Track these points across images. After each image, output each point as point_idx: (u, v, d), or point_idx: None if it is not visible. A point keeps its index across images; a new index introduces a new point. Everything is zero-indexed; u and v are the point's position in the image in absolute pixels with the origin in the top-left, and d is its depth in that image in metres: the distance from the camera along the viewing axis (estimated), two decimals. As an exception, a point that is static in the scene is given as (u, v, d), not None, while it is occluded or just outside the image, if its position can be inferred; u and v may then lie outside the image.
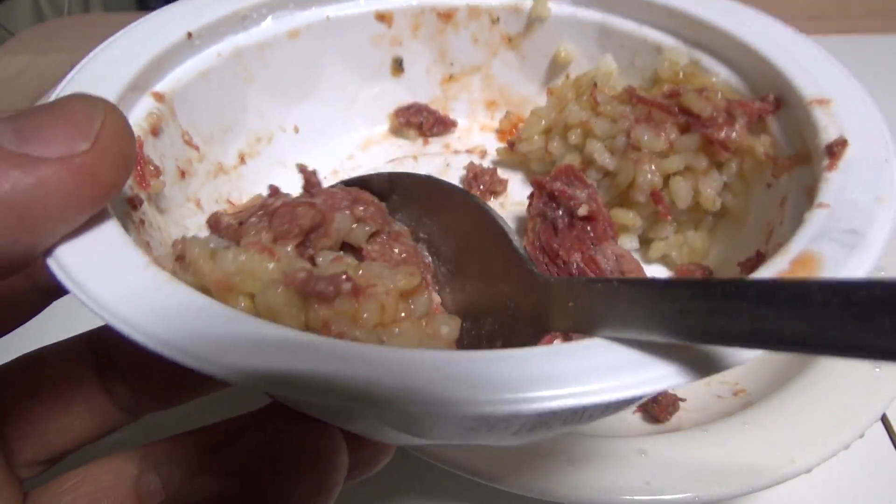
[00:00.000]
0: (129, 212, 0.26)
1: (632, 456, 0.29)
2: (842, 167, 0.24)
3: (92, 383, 0.24)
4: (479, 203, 0.27)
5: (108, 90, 0.28)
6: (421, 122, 0.40)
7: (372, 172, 0.31)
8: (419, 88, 0.42)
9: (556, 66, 0.40)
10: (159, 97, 0.31)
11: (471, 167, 0.37)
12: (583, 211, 0.30)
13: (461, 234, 0.28)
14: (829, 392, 0.32)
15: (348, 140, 0.41)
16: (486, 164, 0.39)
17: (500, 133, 0.42)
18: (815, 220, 0.22)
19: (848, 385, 0.32)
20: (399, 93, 0.42)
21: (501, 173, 0.38)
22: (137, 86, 0.30)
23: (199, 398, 0.25)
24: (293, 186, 0.38)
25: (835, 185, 0.23)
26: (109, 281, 0.20)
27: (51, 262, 0.20)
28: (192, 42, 0.33)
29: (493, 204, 0.36)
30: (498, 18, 0.40)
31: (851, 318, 0.13)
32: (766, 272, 0.20)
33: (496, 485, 0.28)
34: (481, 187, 0.36)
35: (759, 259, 0.27)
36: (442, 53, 0.41)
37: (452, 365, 0.17)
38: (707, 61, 0.34)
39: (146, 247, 0.25)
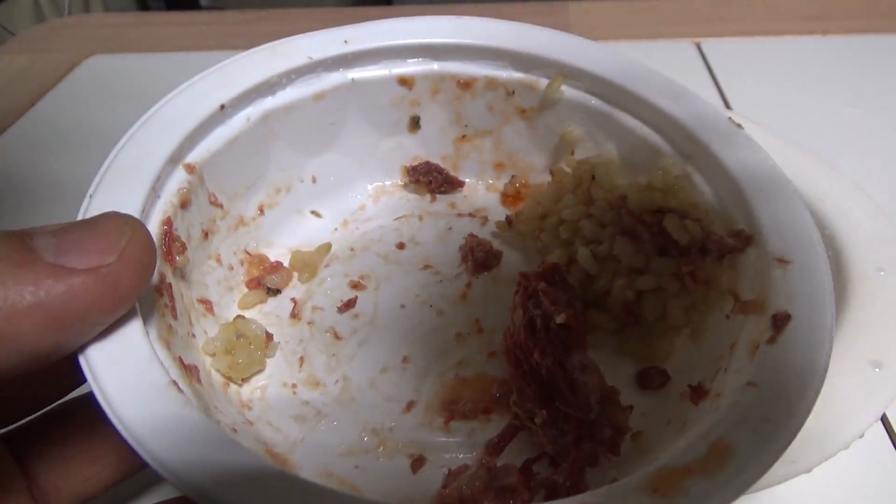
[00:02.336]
0: (155, 300, 0.29)
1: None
2: (780, 343, 0.27)
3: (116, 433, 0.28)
4: None
5: (145, 175, 0.31)
6: (430, 180, 0.43)
7: None
8: (433, 145, 0.44)
9: (562, 143, 0.42)
10: (190, 169, 0.34)
11: (470, 239, 0.40)
12: (560, 319, 0.33)
13: None
14: (829, 392, 0.32)
15: (362, 190, 0.44)
16: (487, 231, 0.42)
17: (504, 196, 0.44)
18: (743, 401, 0.25)
19: (848, 385, 0.33)
20: (414, 148, 0.44)
21: (498, 245, 0.41)
22: (173, 160, 0.33)
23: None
24: (307, 232, 0.41)
25: (769, 362, 0.27)
26: (132, 399, 0.23)
27: (82, 361, 0.24)
28: (223, 112, 0.36)
29: (486, 277, 0.39)
30: (513, 92, 0.42)
31: None
32: (686, 457, 0.24)
33: None
34: (476, 259, 0.39)
35: (703, 392, 0.30)
36: (458, 116, 0.43)
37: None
38: (697, 177, 0.36)
39: (168, 331, 0.29)
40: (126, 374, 0.24)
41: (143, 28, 0.90)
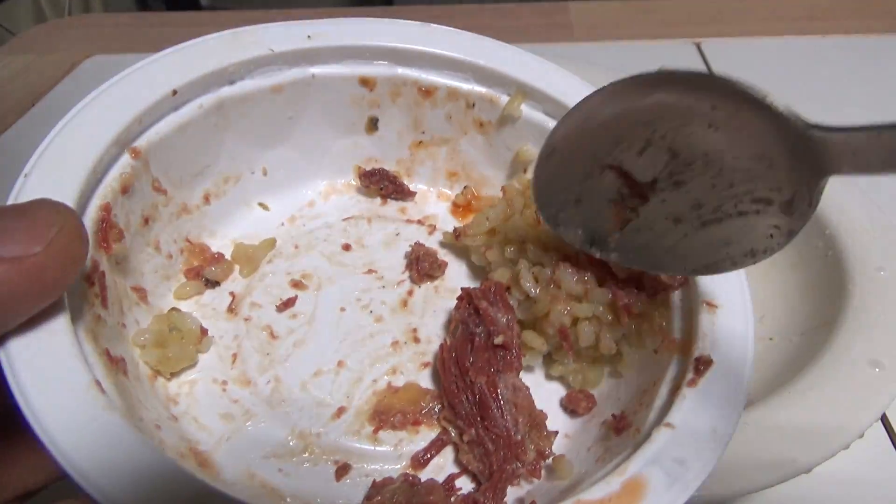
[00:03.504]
0: (85, 289, 0.28)
1: None
2: (700, 386, 0.28)
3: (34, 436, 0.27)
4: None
5: (87, 156, 0.30)
6: (382, 187, 0.43)
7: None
8: (389, 148, 0.44)
9: (517, 161, 0.43)
10: (136, 153, 0.33)
11: (416, 248, 0.40)
12: (499, 340, 0.33)
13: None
14: (829, 392, 0.34)
15: (313, 187, 0.43)
16: (434, 240, 0.42)
17: (455, 206, 0.45)
18: (659, 439, 0.26)
19: (848, 385, 0.34)
20: (369, 149, 0.44)
21: (443, 255, 0.41)
22: (119, 142, 0.32)
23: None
24: (252, 224, 0.41)
25: (687, 404, 0.28)
26: (51, 398, 0.23)
27: (1, 355, 0.23)
28: (175, 98, 0.35)
29: (429, 286, 0.40)
30: (474, 104, 0.42)
31: None
32: (600, 492, 0.25)
33: None
34: (420, 269, 0.40)
35: (626, 424, 0.31)
36: (416, 122, 0.43)
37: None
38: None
39: (97, 322, 0.28)
40: (48, 372, 0.23)
41: (143, 28, 0.90)
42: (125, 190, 0.32)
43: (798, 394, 0.33)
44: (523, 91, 0.41)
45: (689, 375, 0.29)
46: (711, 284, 0.32)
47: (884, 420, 0.39)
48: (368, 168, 0.44)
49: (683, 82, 0.27)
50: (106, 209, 0.31)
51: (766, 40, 0.79)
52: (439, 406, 0.34)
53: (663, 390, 0.30)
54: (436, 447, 0.32)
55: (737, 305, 0.31)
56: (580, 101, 0.30)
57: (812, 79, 0.71)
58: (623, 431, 0.31)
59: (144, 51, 0.80)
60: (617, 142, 0.30)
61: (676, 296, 0.34)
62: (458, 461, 0.32)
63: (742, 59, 0.75)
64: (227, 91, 0.37)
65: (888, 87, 0.70)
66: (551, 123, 0.41)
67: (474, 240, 0.40)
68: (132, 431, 0.23)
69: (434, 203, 0.45)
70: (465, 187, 0.45)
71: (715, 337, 0.30)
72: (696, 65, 0.74)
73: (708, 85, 0.26)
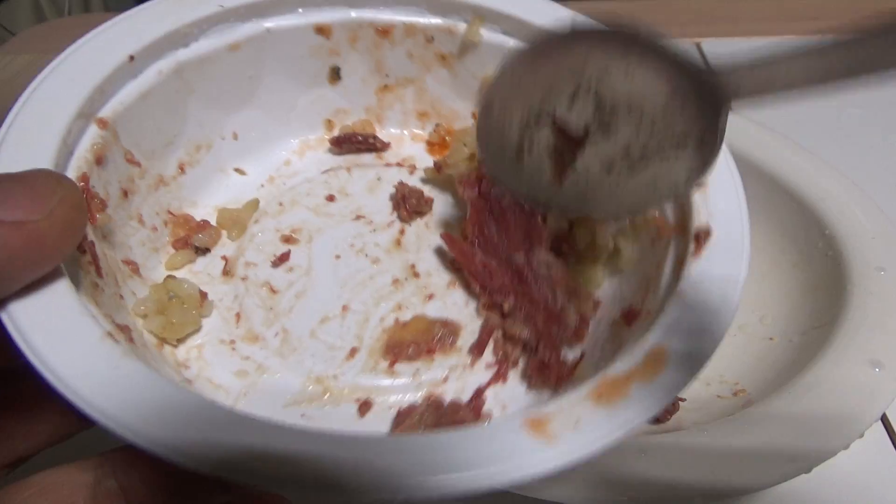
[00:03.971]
0: (78, 258, 0.28)
1: (632, 456, 0.31)
2: (703, 255, 0.29)
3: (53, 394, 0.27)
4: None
5: (55, 125, 0.29)
6: (355, 147, 0.43)
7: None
8: (355, 96, 0.44)
9: (484, 88, 0.43)
10: (103, 123, 0.32)
11: (400, 187, 0.40)
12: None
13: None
14: (829, 392, 0.33)
15: (286, 145, 0.43)
16: (415, 179, 0.42)
17: (430, 144, 0.44)
18: (671, 311, 0.27)
19: (848, 385, 0.34)
20: (336, 100, 0.43)
21: (428, 192, 0.41)
22: (82, 114, 0.31)
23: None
24: (231, 190, 0.40)
25: (694, 273, 0.28)
26: (66, 352, 0.22)
27: (4, 317, 0.23)
28: (133, 64, 0.34)
29: (419, 223, 0.40)
30: (433, 38, 0.42)
31: None
32: (625, 365, 0.25)
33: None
34: (408, 207, 0.39)
35: (635, 314, 0.32)
36: (378, 65, 0.43)
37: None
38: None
39: (95, 289, 0.28)
40: (57, 329, 0.23)
41: None
42: (99, 161, 0.32)
43: (798, 394, 0.33)
44: (479, 15, 0.40)
45: (691, 248, 0.29)
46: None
47: (884, 420, 0.39)
48: (338, 124, 0.44)
49: (597, 35, 0.28)
50: (84, 179, 0.30)
51: (766, 40, 0.77)
52: (451, 333, 0.34)
53: (667, 270, 0.31)
54: (486, 332, 0.33)
55: (726, 181, 0.32)
56: (507, 60, 0.31)
57: None
58: (634, 321, 0.32)
59: None
60: (548, 93, 0.31)
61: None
62: (501, 350, 0.33)
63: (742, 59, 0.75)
64: (183, 54, 0.36)
65: (888, 87, 0.71)
66: (512, 42, 0.40)
67: (456, 167, 0.40)
68: (155, 373, 0.23)
69: (409, 145, 0.45)
70: (436, 125, 0.45)
71: (709, 211, 0.31)
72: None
73: (616, 36, 0.28)
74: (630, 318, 0.32)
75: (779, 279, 0.47)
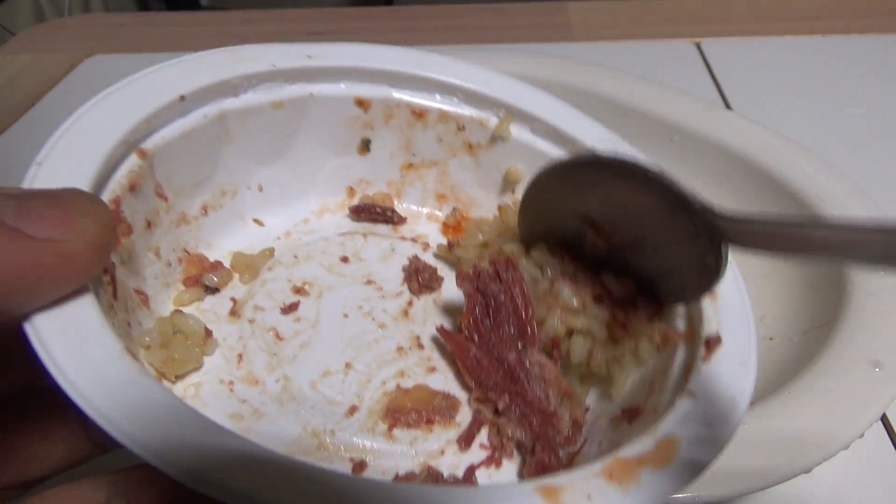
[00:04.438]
0: (99, 276, 0.28)
1: None
2: (713, 362, 0.30)
3: (70, 416, 0.26)
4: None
5: (99, 149, 0.30)
6: (372, 218, 0.44)
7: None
8: (380, 169, 0.45)
9: (506, 181, 0.45)
10: (143, 154, 0.33)
11: (414, 260, 0.41)
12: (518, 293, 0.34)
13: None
14: (829, 392, 0.33)
15: (306, 205, 0.44)
16: (428, 256, 0.43)
17: (445, 226, 0.46)
18: (682, 406, 0.27)
19: (848, 385, 0.33)
20: (361, 169, 0.45)
21: (440, 271, 0.42)
22: (127, 142, 0.32)
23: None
24: (248, 238, 0.41)
25: (704, 378, 0.29)
26: (85, 366, 0.22)
27: (28, 329, 0.23)
28: (182, 104, 0.35)
29: (427, 298, 0.40)
30: (464, 127, 0.44)
31: None
32: (636, 450, 0.25)
33: None
34: (420, 280, 0.40)
35: (637, 412, 0.32)
36: (408, 143, 0.45)
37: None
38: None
39: (109, 310, 0.28)
40: (79, 344, 0.23)
41: (143, 28, 0.90)
42: (132, 188, 0.32)
43: (798, 394, 0.33)
44: (511, 113, 0.43)
45: (701, 352, 0.30)
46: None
47: (884, 420, 0.39)
48: (359, 192, 0.45)
49: (617, 168, 0.32)
50: (116, 203, 0.31)
51: (766, 40, 0.78)
52: (452, 406, 0.34)
53: (675, 373, 0.31)
54: (476, 425, 0.32)
55: (735, 293, 0.33)
56: (539, 173, 0.35)
57: (812, 79, 0.71)
58: (636, 418, 0.32)
59: (144, 51, 0.81)
60: (581, 197, 0.34)
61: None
62: (496, 439, 0.32)
63: (742, 59, 0.74)
64: (230, 103, 0.38)
65: (888, 87, 0.70)
66: (539, 143, 0.43)
67: (467, 251, 0.41)
68: (171, 394, 0.22)
69: (424, 224, 0.46)
70: (453, 209, 0.46)
71: (720, 320, 0.32)
72: (696, 65, 0.72)
73: (633, 174, 0.31)
74: (632, 416, 0.32)
75: (779, 279, 0.47)
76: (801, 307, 0.45)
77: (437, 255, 0.43)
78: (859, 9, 0.85)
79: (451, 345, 0.35)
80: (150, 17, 1.03)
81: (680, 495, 0.29)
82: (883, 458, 0.37)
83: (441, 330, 0.36)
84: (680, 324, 0.34)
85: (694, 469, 0.24)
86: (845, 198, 0.46)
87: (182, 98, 0.35)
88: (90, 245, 0.23)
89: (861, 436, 0.31)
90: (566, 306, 0.35)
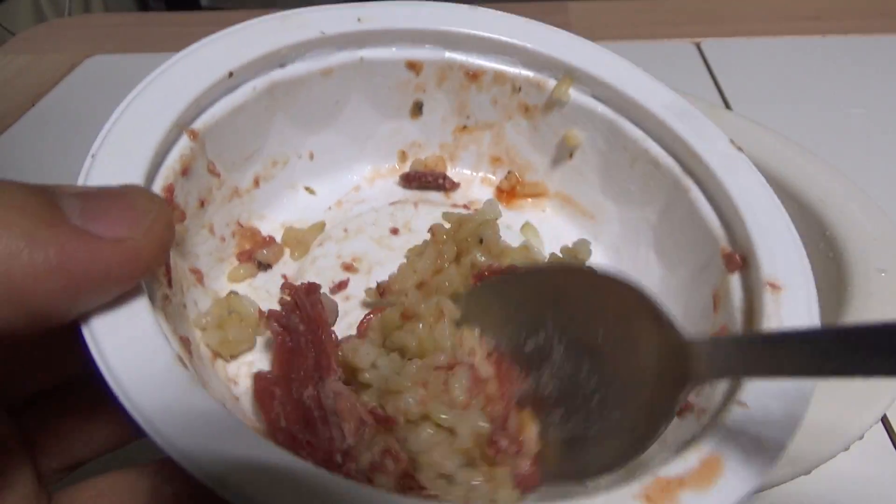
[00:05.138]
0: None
1: None
2: (770, 367, 0.28)
3: (112, 402, 0.28)
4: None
5: (151, 136, 0.30)
6: (424, 185, 0.43)
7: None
8: (433, 132, 0.44)
9: (563, 145, 0.43)
10: (194, 135, 0.33)
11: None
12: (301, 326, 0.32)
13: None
14: (829, 393, 0.33)
15: (358, 171, 0.43)
16: (479, 225, 0.42)
17: (499, 191, 0.45)
18: (732, 418, 0.26)
19: (848, 386, 0.33)
20: (413, 133, 0.44)
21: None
22: (178, 125, 0.32)
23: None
24: (300, 208, 0.41)
25: (759, 385, 0.28)
26: (137, 373, 0.23)
27: (85, 332, 0.23)
28: (231, 80, 0.35)
29: (477, 271, 0.39)
30: (520, 88, 0.42)
31: None
32: (678, 469, 0.25)
33: None
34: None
35: (687, 407, 0.31)
36: (461, 106, 0.43)
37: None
38: (695, 193, 0.37)
39: (165, 301, 0.29)
40: (133, 349, 0.23)
41: (143, 28, 0.90)
42: (185, 171, 0.32)
43: (798, 394, 0.32)
44: (571, 75, 0.41)
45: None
46: (774, 267, 0.32)
47: (884, 421, 0.38)
48: (411, 156, 0.44)
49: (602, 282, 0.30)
50: (169, 190, 0.31)
51: (766, 40, 0.78)
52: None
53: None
54: None
55: (801, 288, 0.31)
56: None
57: (812, 79, 0.71)
58: (685, 414, 0.31)
59: (144, 51, 0.82)
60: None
61: (735, 278, 0.33)
62: None
63: (742, 59, 0.74)
64: (278, 74, 0.37)
65: (888, 87, 0.70)
66: (600, 107, 0.40)
67: (399, 297, 0.35)
68: (221, 407, 0.23)
69: (478, 188, 0.45)
70: (508, 172, 0.45)
71: (781, 318, 0.30)
72: (696, 65, 0.73)
73: (616, 289, 0.29)
74: (681, 410, 0.31)
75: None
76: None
77: (365, 302, 0.37)
78: (859, 9, 0.83)
79: (257, 395, 0.31)
80: (150, 17, 1.02)
81: None
82: (883, 458, 0.36)
83: (255, 376, 0.31)
84: (738, 314, 0.33)
85: (733, 495, 0.24)
86: (846, 198, 0.45)
87: (230, 74, 0.34)
88: (154, 243, 0.23)
89: (861, 437, 0.31)
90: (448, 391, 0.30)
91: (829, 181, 0.46)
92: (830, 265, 0.44)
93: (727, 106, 0.67)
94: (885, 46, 0.76)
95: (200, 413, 0.23)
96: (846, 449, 0.30)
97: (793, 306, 0.30)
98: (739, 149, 0.37)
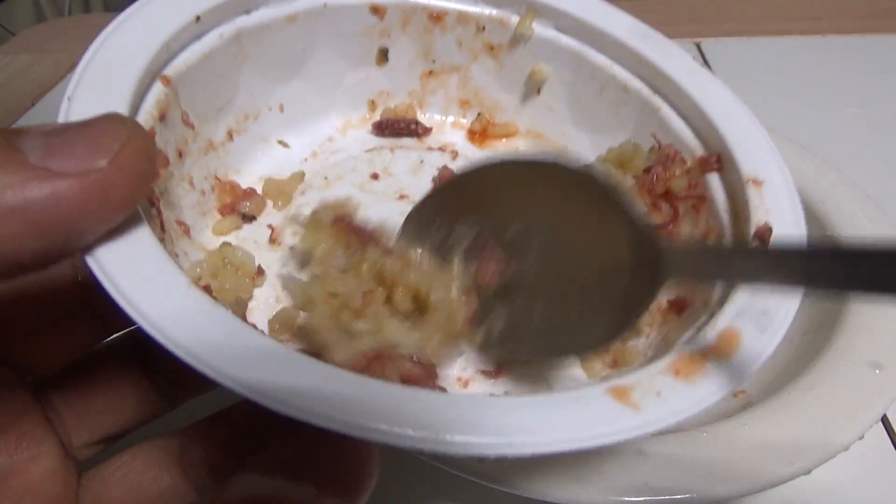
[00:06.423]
0: (148, 209, 0.27)
1: (631, 456, 0.30)
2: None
3: (137, 372, 0.27)
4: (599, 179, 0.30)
5: (126, 77, 0.29)
6: (397, 131, 0.43)
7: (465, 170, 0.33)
8: (400, 79, 0.44)
9: (530, 80, 0.43)
10: (167, 81, 0.32)
11: (443, 171, 0.40)
12: None
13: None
14: (829, 393, 0.33)
15: (329, 122, 0.43)
16: (458, 164, 0.42)
17: (471, 133, 0.45)
18: (739, 298, 0.27)
19: (848, 386, 0.33)
20: (381, 81, 0.44)
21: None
22: (150, 70, 0.31)
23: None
24: (275, 161, 0.40)
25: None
26: (158, 303, 0.22)
27: (91, 262, 0.22)
28: (198, 25, 0.34)
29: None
30: (484, 27, 0.42)
31: None
32: (699, 344, 0.26)
33: (494, 486, 0.29)
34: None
35: (684, 304, 0.33)
36: (426, 50, 0.43)
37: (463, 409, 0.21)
38: (666, 110, 0.38)
39: (161, 243, 0.27)
40: (149, 278, 0.22)
41: None
42: (162, 117, 0.31)
43: (798, 395, 0.33)
44: (534, 9, 0.41)
45: (754, 243, 0.30)
46: (753, 164, 0.33)
47: (884, 421, 0.38)
48: (381, 105, 0.44)
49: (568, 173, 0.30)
50: (151, 133, 0.30)
51: (766, 40, 0.78)
52: None
53: (723, 264, 0.31)
54: None
55: (781, 179, 0.33)
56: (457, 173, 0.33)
57: (812, 79, 0.71)
58: (685, 310, 0.32)
59: None
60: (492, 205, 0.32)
61: (716, 180, 0.35)
62: None
63: (742, 59, 0.74)
64: (243, 20, 0.36)
65: (888, 87, 0.69)
66: (564, 39, 0.41)
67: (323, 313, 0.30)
68: (245, 324, 0.22)
69: (450, 132, 0.45)
70: (478, 114, 0.45)
71: (767, 208, 0.31)
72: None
73: (587, 182, 0.30)
74: (680, 308, 0.33)
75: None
76: (801, 307, 0.43)
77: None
78: (859, 9, 0.83)
79: None
80: None
81: (679, 496, 0.29)
82: (883, 459, 0.36)
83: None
84: (724, 214, 0.34)
85: (756, 359, 0.25)
86: (846, 198, 0.46)
87: (197, 18, 0.33)
88: (126, 171, 0.20)
89: (861, 437, 0.31)
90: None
91: (829, 181, 0.46)
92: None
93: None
94: (885, 46, 0.75)
95: (232, 332, 0.22)
96: (846, 449, 0.30)
97: (775, 198, 0.32)
98: (702, 64, 0.39)
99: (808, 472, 0.30)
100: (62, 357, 0.27)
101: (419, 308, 0.31)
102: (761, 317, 0.27)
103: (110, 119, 0.22)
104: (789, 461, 0.30)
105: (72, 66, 0.76)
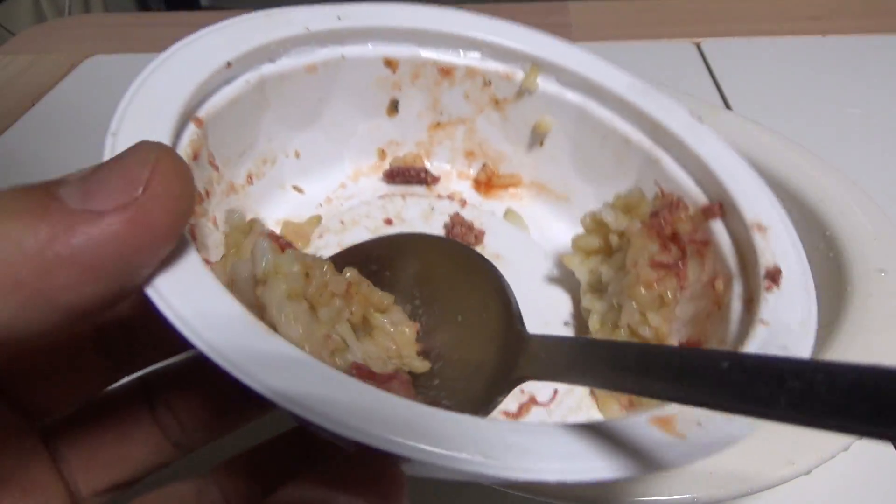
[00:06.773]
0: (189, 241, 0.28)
1: None
2: (777, 292, 0.31)
3: (146, 418, 0.26)
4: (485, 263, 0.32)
5: (166, 115, 0.30)
6: (407, 180, 0.44)
7: (371, 239, 0.36)
8: (409, 130, 0.45)
9: (535, 134, 0.45)
10: (199, 122, 0.33)
11: (455, 217, 0.41)
12: None
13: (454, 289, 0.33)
14: None
15: (341, 169, 0.44)
16: (466, 213, 0.44)
17: (476, 182, 0.46)
18: (759, 334, 0.29)
19: None
20: (391, 131, 0.45)
21: (479, 225, 0.42)
22: (186, 111, 0.32)
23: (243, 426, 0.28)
24: (291, 206, 0.41)
25: (772, 306, 0.31)
26: (219, 330, 0.22)
27: (152, 295, 0.22)
28: (229, 71, 0.35)
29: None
30: (490, 82, 0.44)
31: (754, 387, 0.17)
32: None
33: (490, 483, 0.29)
34: (463, 237, 0.41)
35: (697, 345, 0.34)
36: (435, 102, 0.45)
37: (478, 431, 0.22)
38: (667, 161, 0.41)
39: None
40: (207, 308, 0.23)
41: (143, 28, 0.89)
42: (195, 157, 0.32)
43: None
44: (538, 65, 0.43)
45: (764, 283, 0.32)
46: (755, 211, 0.35)
47: None
48: (390, 154, 0.45)
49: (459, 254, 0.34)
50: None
51: (766, 40, 0.78)
52: None
53: (735, 306, 0.33)
54: None
55: (782, 222, 0.35)
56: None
57: (812, 79, 0.71)
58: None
59: (144, 51, 0.81)
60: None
61: (720, 226, 0.37)
62: None
63: (742, 59, 0.74)
64: (268, 68, 0.37)
65: (888, 87, 0.70)
66: (567, 93, 0.43)
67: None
68: (300, 350, 0.23)
69: (456, 181, 0.46)
70: (483, 165, 0.47)
71: (774, 251, 0.33)
72: (696, 65, 0.73)
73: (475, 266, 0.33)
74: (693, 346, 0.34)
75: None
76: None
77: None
78: (859, 9, 0.84)
79: None
80: (150, 17, 1.01)
81: (678, 496, 0.29)
82: (883, 459, 0.37)
83: None
84: (730, 258, 0.36)
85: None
86: (846, 198, 0.46)
87: (229, 64, 0.34)
88: (161, 199, 0.20)
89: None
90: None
91: (829, 181, 0.47)
92: (830, 265, 0.44)
93: (727, 106, 0.66)
94: (885, 46, 0.75)
95: (287, 359, 0.22)
96: (846, 450, 0.31)
97: (780, 243, 0.34)
98: (699, 119, 0.41)
99: (808, 472, 0.29)
100: (74, 400, 0.27)
101: (365, 327, 0.32)
102: (780, 352, 0.28)
103: (138, 147, 0.21)
104: (789, 461, 0.30)
105: (72, 66, 0.76)
